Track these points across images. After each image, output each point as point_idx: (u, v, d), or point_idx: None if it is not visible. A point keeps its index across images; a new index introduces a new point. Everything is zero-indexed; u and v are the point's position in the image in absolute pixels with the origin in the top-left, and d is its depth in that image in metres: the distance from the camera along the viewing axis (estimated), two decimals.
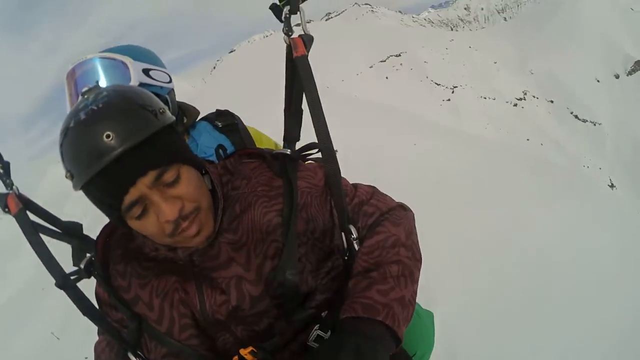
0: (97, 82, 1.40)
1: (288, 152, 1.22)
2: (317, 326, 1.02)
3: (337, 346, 0.89)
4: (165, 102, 1.58)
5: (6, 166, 1.20)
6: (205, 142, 1.65)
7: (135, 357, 1.08)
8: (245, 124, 1.81)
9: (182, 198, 0.92)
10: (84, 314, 1.11)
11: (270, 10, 1.20)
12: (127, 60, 1.47)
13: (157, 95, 1.53)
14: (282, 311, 1.04)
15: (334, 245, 1.13)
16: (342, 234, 1.13)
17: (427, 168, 10.92)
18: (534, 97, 29.80)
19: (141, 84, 1.47)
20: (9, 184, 1.16)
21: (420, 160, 11.42)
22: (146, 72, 1.51)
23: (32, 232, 1.11)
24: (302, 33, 1.19)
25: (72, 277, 1.11)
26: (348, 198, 1.16)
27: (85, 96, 0.93)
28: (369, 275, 1.01)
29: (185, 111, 1.74)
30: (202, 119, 1.79)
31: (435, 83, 27.89)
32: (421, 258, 1.11)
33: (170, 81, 1.64)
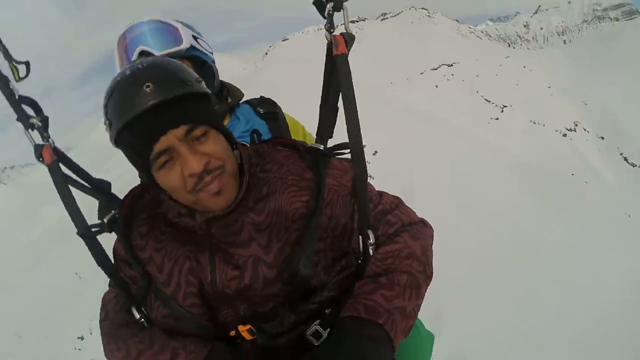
0: (148, 44, 1.45)
1: (321, 148, 1.27)
2: (317, 322, 1.04)
3: (338, 344, 0.91)
4: (211, 69, 1.62)
5: (45, 120, 1.28)
6: (243, 126, 1.69)
7: (139, 313, 1.15)
8: (285, 112, 1.83)
9: (209, 155, 0.97)
10: (99, 265, 1.19)
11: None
12: (178, 25, 1.51)
13: (204, 61, 1.60)
14: (289, 299, 1.07)
15: (350, 247, 1.15)
16: (360, 237, 1.14)
17: (462, 187, 10.64)
18: (584, 130, 28.22)
19: (192, 47, 1.51)
20: (46, 137, 1.25)
21: (457, 178, 11.14)
22: (195, 38, 1.54)
23: (61, 183, 1.20)
24: (345, 31, 1.20)
25: (93, 229, 1.20)
26: (372, 204, 1.17)
27: (133, 59, 1.11)
28: (377, 279, 1.04)
29: (230, 91, 1.76)
30: (245, 102, 1.81)
31: (485, 99, 26.91)
32: (432, 275, 1.12)
33: (212, 52, 1.67)
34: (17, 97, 1.24)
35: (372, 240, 1.12)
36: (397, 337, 0.96)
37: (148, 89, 0.90)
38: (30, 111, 1.27)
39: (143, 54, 1.44)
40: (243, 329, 1.06)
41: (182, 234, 1.10)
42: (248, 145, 1.24)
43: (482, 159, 12.96)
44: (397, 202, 1.24)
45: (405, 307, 1.00)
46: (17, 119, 1.26)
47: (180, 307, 1.07)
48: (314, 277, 1.06)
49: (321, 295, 1.09)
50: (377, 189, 1.30)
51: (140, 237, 1.15)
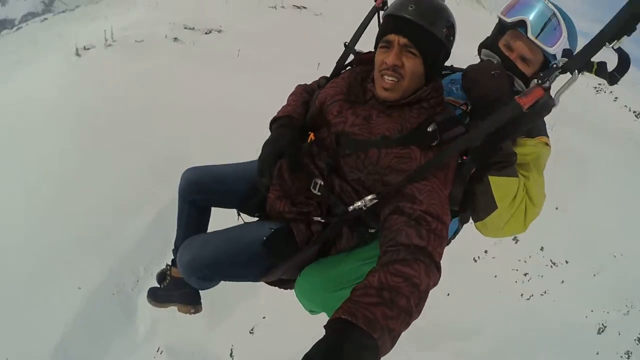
0: (530, 21, 1.60)
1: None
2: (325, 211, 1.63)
3: (338, 351, 0.93)
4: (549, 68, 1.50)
5: None
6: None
7: (317, 90, 1.89)
8: None
9: (404, 64, 1.49)
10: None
11: None
12: (565, 31, 1.62)
13: (548, 65, 1.67)
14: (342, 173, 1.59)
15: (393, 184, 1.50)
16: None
17: None
18: None
19: (554, 55, 1.65)
20: None
21: None
22: (564, 52, 1.56)
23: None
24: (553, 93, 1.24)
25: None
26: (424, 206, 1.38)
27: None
28: (381, 293, 1.10)
29: None
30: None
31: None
32: (419, 315, 1.19)
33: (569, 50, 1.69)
34: None
35: (365, 202, 1.49)
36: (382, 355, 1.02)
37: (410, 8, 1.46)
38: None
39: (521, 23, 1.62)
40: (312, 136, 1.65)
41: (360, 89, 1.70)
42: (444, 90, 1.68)
43: None
44: (441, 229, 1.34)
45: (395, 331, 1.05)
46: None
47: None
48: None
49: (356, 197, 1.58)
50: None
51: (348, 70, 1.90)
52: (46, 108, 12.16)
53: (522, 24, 1.59)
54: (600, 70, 1.16)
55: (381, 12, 1.78)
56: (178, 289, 2.17)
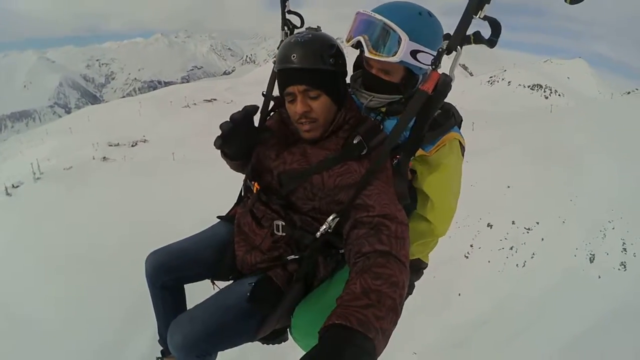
0: (368, 39, 1.58)
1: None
2: (281, 222, 1.60)
3: (337, 353, 0.95)
4: (417, 79, 1.66)
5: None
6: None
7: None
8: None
9: (312, 108, 1.52)
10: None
11: None
12: (404, 37, 1.52)
13: (413, 73, 1.63)
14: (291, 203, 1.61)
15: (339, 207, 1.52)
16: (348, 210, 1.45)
17: None
18: None
19: (402, 62, 1.55)
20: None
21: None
22: (414, 53, 1.55)
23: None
24: (445, 73, 1.34)
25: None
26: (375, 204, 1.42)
27: (308, 31, 1.66)
28: (368, 295, 1.11)
29: (442, 114, 1.71)
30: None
31: None
32: (401, 312, 1.18)
33: (433, 65, 1.53)
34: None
35: (328, 226, 1.49)
36: (378, 355, 1.01)
37: (293, 58, 1.49)
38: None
39: (358, 43, 1.64)
40: (257, 186, 1.69)
41: (288, 131, 1.70)
42: (363, 115, 1.68)
43: None
44: (403, 231, 1.36)
45: (387, 330, 1.05)
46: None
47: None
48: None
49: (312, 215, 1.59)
50: None
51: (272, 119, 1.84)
52: None
53: (359, 44, 1.62)
54: (477, 38, 1.28)
55: None
56: None
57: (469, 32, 1.26)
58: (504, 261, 15.04)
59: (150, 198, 13.47)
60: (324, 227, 1.48)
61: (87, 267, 11.18)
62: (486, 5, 1.19)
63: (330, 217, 1.47)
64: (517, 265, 14.80)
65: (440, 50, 1.30)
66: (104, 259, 10.59)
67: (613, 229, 14.81)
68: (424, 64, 1.56)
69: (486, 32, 1.25)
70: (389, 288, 1.13)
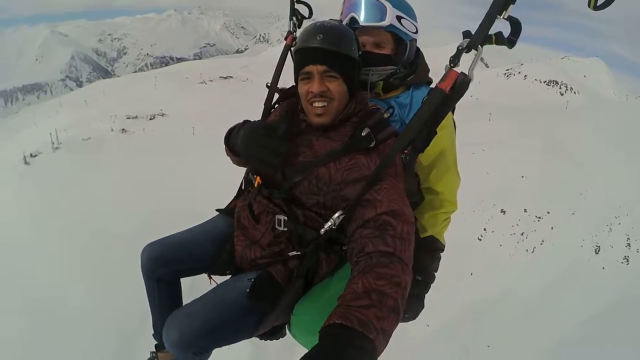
0: (359, 14, 1.79)
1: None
2: (284, 217, 1.55)
3: (338, 354, 0.95)
4: (405, 46, 1.86)
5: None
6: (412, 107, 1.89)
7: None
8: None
9: (329, 88, 1.51)
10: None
11: None
12: (387, 4, 1.77)
13: (401, 39, 1.84)
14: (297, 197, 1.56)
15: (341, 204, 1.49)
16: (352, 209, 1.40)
17: None
18: None
19: (391, 25, 1.78)
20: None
21: None
22: (399, 18, 1.79)
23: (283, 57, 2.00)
24: (464, 72, 1.32)
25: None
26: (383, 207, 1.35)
27: (331, 20, 1.75)
28: (369, 296, 1.10)
29: (418, 69, 1.93)
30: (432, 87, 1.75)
31: None
32: (403, 313, 1.18)
33: (416, 32, 1.89)
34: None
35: (332, 223, 1.43)
36: (378, 355, 1.02)
37: (319, 38, 1.49)
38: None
39: (353, 20, 1.81)
40: (258, 180, 1.65)
41: (293, 123, 1.66)
42: (373, 104, 1.70)
43: None
44: (408, 232, 1.33)
45: (388, 331, 1.05)
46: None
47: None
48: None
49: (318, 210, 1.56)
50: None
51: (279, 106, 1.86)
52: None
53: (354, 20, 1.78)
54: (498, 39, 1.27)
55: (292, 49, 1.79)
56: None
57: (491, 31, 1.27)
58: (515, 246, 15.72)
59: (171, 171, 13.69)
60: (329, 223, 1.44)
61: (113, 242, 11.24)
62: (511, 6, 1.21)
63: (336, 214, 1.43)
64: (527, 250, 15.46)
65: (460, 48, 1.30)
66: (130, 234, 10.63)
67: (619, 224, 15.44)
68: (408, 30, 1.80)
69: (502, 29, 1.27)
70: (391, 288, 1.13)
